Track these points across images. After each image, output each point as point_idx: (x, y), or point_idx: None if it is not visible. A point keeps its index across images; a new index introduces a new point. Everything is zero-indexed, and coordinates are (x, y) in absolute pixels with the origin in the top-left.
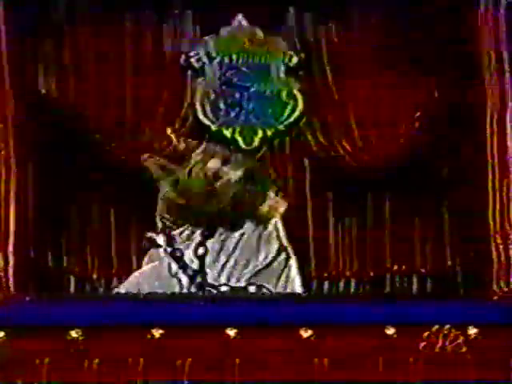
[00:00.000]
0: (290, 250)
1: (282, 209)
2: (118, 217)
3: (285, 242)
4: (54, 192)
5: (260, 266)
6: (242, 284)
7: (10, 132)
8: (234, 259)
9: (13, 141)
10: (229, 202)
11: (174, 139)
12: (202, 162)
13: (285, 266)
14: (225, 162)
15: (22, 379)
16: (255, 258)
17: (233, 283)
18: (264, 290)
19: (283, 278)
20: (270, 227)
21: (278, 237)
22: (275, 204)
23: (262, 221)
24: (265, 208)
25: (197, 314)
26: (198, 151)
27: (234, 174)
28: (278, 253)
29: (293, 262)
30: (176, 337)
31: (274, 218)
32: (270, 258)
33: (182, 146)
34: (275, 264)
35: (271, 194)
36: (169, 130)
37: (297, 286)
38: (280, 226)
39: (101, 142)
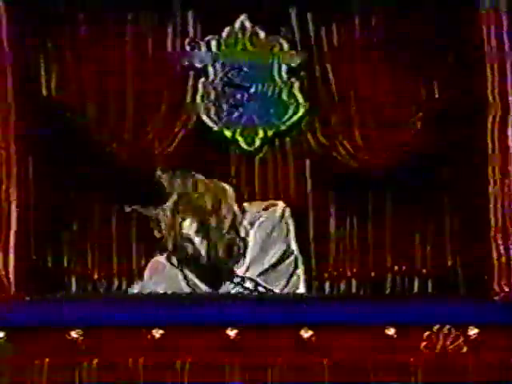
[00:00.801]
0: (299, 256)
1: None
2: (118, 217)
3: (293, 245)
4: (54, 192)
5: (266, 266)
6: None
7: (10, 132)
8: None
9: (13, 141)
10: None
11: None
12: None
13: (292, 274)
14: (201, 224)
15: (21, 379)
16: (262, 257)
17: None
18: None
19: (290, 284)
20: (277, 229)
21: (287, 237)
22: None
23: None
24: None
25: (197, 314)
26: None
27: (201, 246)
28: (285, 254)
29: (301, 272)
30: (176, 337)
31: (284, 219)
32: (275, 258)
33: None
34: (282, 266)
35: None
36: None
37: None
38: (291, 227)
39: (102, 142)
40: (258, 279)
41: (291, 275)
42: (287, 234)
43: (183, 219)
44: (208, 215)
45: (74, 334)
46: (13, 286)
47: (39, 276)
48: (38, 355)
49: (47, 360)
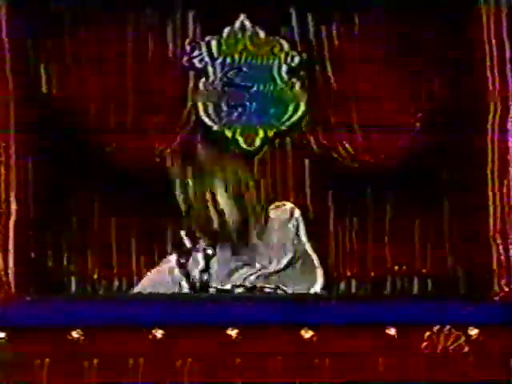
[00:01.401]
0: (314, 256)
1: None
2: (118, 217)
3: (308, 248)
4: (54, 192)
5: (278, 267)
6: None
7: (10, 132)
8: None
9: (13, 141)
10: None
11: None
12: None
13: (306, 275)
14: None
15: (22, 380)
16: (273, 257)
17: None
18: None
19: (304, 286)
20: (287, 228)
21: (298, 237)
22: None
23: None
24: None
25: (198, 314)
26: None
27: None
28: (297, 255)
29: (319, 272)
30: (177, 337)
31: (294, 218)
32: (287, 259)
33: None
34: (294, 268)
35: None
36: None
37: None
38: (302, 226)
39: (102, 142)
40: (269, 281)
41: (305, 276)
42: (298, 234)
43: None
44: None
45: (74, 334)
46: (13, 286)
47: (39, 276)
48: (38, 355)
49: (47, 360)
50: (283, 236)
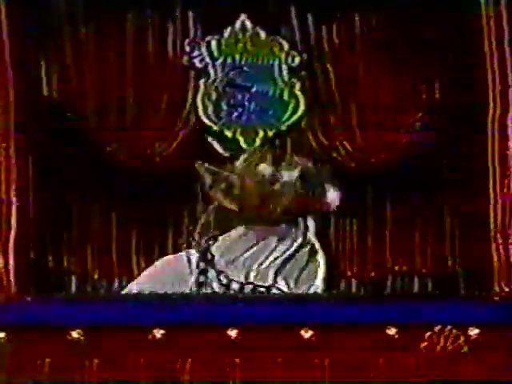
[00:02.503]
0: (317, 247)
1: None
2: (118, 217)
3: (313, 238)
4: (54, 192)
5: (279, 262)
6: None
7: (10, 132)
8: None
9: (13, 141)
10: (286, 205)
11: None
12: (251, 166)
13: (307, 264)
14: (276, 165)
15: (22, 380)
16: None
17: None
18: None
19: (306, 276)
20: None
21: (305, 233)
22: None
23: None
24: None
25: (198, 314)
26: (245, 156)
27: (289, 176)
28: (300, 247)
29: (321, 260)
30: (177, 337)
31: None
32: (290, 252)
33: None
34: (297, 256)
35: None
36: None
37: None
38: (311, 223)
39: (102, 142)
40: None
41: (302, 271)
42: (306, 225)
43: None
44: None
45: (74, 334)
46: (13, 285)
47: (39, 276)
48: (38, 355)
49: (48, 360)
50: (291, 224)
